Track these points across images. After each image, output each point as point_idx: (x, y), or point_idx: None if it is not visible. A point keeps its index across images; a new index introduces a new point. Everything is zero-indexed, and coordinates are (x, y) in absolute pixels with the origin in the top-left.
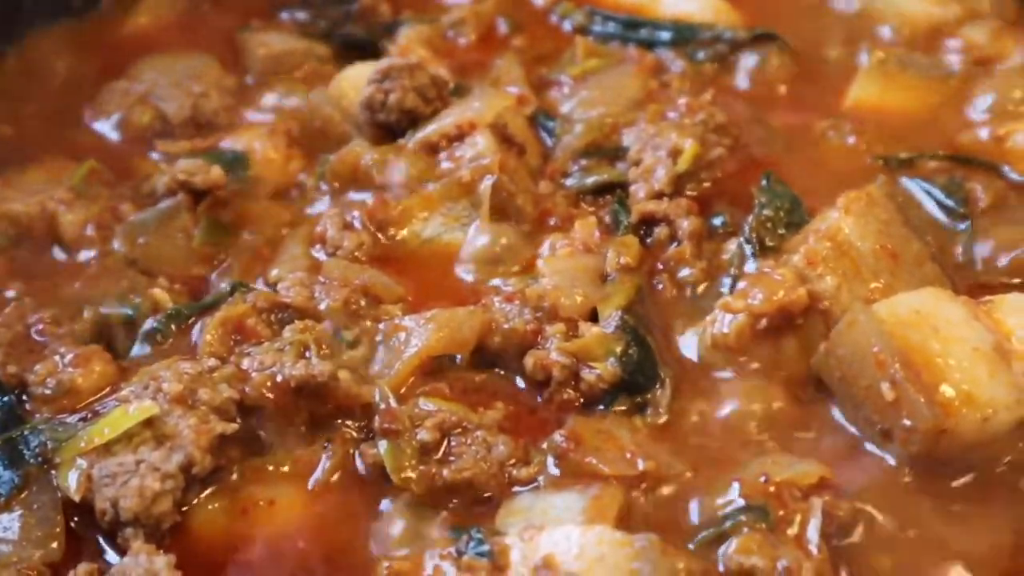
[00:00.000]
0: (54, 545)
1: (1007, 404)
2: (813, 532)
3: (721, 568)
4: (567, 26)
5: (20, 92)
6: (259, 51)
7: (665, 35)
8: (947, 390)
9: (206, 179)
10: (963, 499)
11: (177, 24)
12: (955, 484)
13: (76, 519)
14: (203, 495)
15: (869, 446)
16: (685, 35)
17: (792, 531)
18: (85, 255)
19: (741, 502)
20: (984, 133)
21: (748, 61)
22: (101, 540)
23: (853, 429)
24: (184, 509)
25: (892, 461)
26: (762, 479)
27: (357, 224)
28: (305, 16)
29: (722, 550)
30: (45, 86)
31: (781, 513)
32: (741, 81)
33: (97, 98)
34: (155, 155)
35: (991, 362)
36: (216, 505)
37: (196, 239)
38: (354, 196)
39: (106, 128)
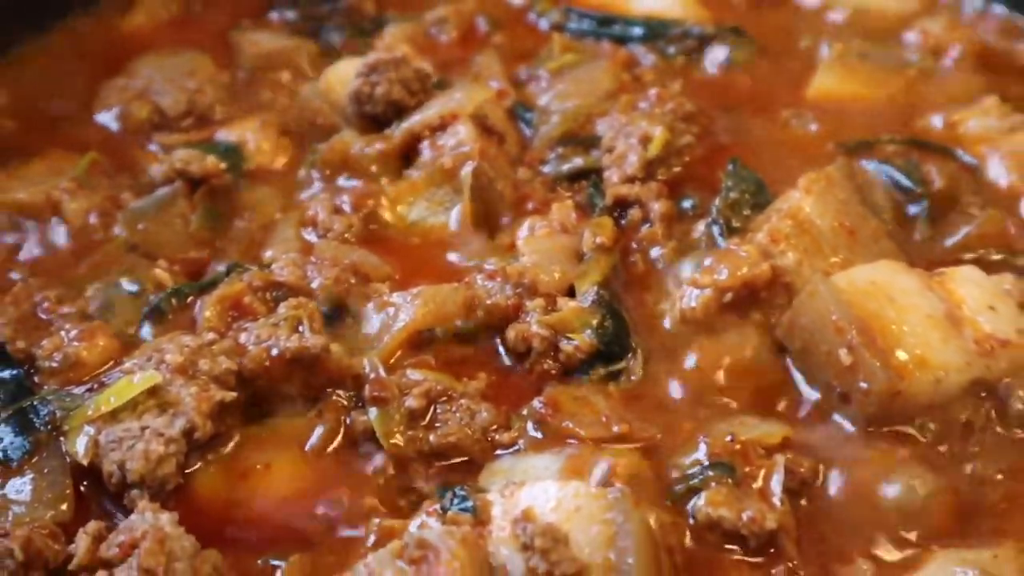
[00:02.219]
0: (64, 506)
1: (958, 367)
2: (776, 486)
3: (691, 520)
4: (544, 24)
5: (24, 89)
6: (250, 49)
7: (637, 31)
8: (901, 354)
9: (202, 167)
10: (914, 456)
11: (172, 24)
12: (907, 443)
13: (85, 483)
14: (204, 459)
15: (828, 406)
16: (656, 31)
17: (757, 485)
18: (87, 237)
19: (709, 460)
20: (938, 120)
21: (716, 54)
22: (108, 502)
23: (814, 393)
24: (186, 472)
25: (850, 422)
26: (728, 439)
27: (346, 208)
28: (293, 15)
29: (692, 504)
30: (48, 83)
31: (747, 469)
32: (709, 73)
33: (98, 94)
34: (153, 147)
35: (943, 328)
36: (215, 469)
37: (193, 224)
38: (343, 183)
39: (106, 122)
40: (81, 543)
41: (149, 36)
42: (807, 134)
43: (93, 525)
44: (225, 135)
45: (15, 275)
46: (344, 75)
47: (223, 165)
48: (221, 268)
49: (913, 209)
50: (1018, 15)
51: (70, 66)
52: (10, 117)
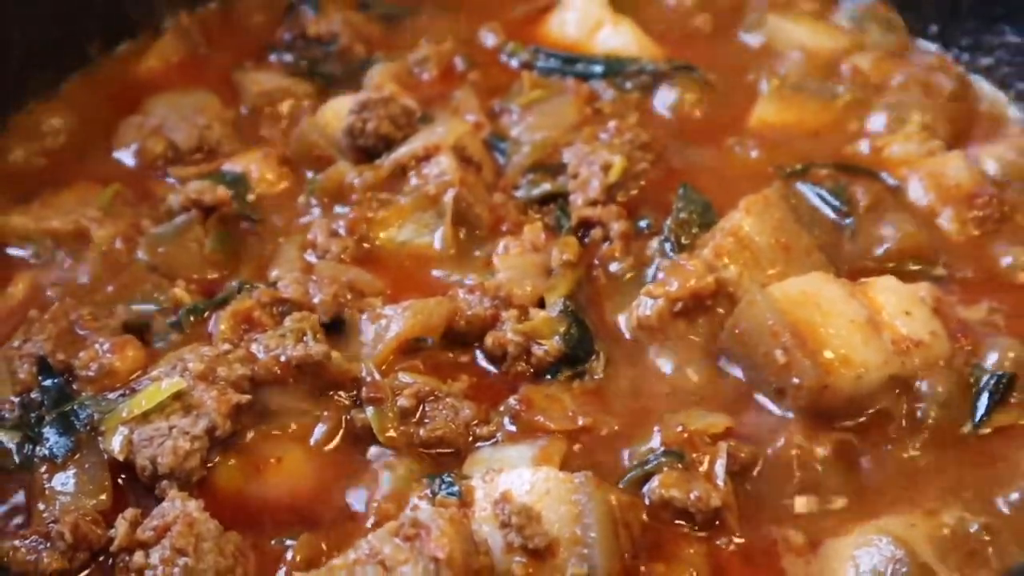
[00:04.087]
0: (103, 496)
1: (877, 364)
2: (720, 469)
3: (646, 501)
4: (515, 63)
5: (52, 128)
6: (252, 88)
7: (598, 68)
8: (828, 354)
9: (213, 197)
10: (842, 442)
11: (181, 66)
12: (836, 431)
13: (121, 476)
14: (224, 454)
15: (766, 402)
16: (615, 68)
17: (703, 469)
18: (114, 261)
19: (661, 448)
20: (865, 145)
21: (668, 89)
22: (141, 492)
23: (753, 388)
24: (209, 465)
25: (785, 413)
26: (679, 429)
27: (342, 231)
28: (291, 57)
29: (646, 486)
30: (73, 122)
31: (694, 456)
32: (662, 106)
33: (117, 131)
34: (168, 178)
35: (864, 331)
36: (234, 462)
37: (207, 247)
38: (339, 209)
39: (126, 156)
40: (120, 527)
41: (161, 77)
42: (749, 160)
43: (130, 512)
44: (231, 166)
45: (51, 293)
46: (339, 111)
47: (231, 193)
48: (233, 285)
49: (842, 226)
50: (942, 51)
51: (92, 107)
52: (42, 154)
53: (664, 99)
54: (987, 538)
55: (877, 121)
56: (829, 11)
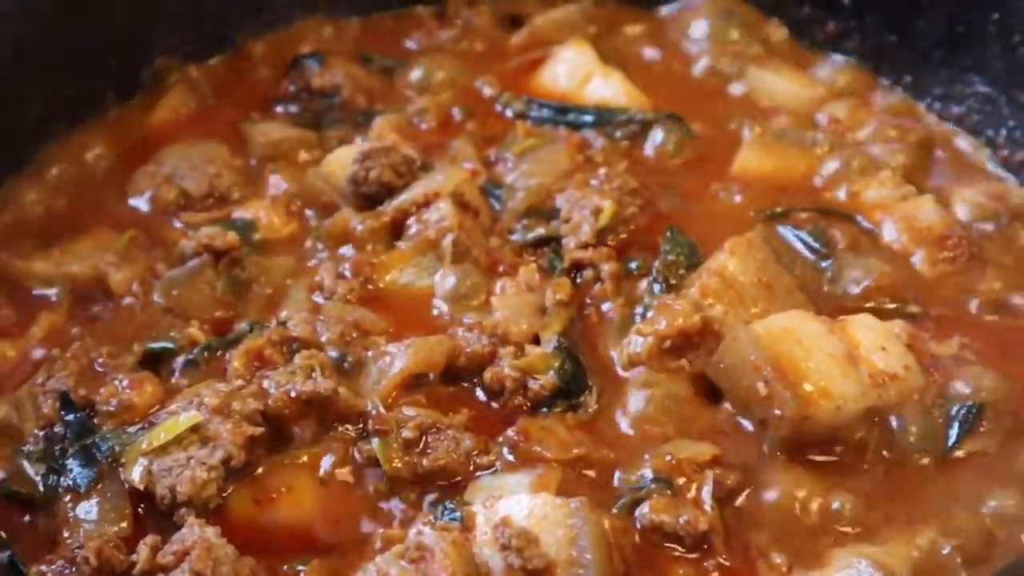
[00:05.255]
0: (124, 524)
1: (854, 396)
2: (707, 495)
3: (638, 525)
4: (509, 113)
5: (69, 177)
6: (260, 138)
7: (588, 118)
8: (808, 386)
9: (224, 242)
10: (822, 470)
11: (191, 118)
12: (814, 460)
13: (141, 505)
14: (238, 484)
15: (750, 431)
16: (605, 118)
17: (691, 495)
18: (130, 303)
19: (651, 475)
20: (842, 191)
21: (656, 137)
22: (160, 520)
23: (738, 419)
24: (224, 495)
25: (767, 443)
26: (668, 457)
27: (347, 274)
28: (295, 109)
29: (638, 511)
30: (89, 171)
31: (682, 482)
32: (650, 153)
33: (131, 180)
34: (180, 224)
35: (842, 365)
36: (247, 491)
37: (219, 289)
38: (344, 252)
39: (140, 204)
40: (142, 552)
41: (172, 128)
42: (733, 204)
43: (151, 538)
44: (241, 213)
45: (72, 332)
46: (343, 161)
47: (240, 239)
48: (244, 326)
49: (821, 266)
50: (911, 99)
51: (107, 157)
52: (58, 202)
53: (652, 147)
54: (959, 559)
55: (852, 167)
56: (807, 64)
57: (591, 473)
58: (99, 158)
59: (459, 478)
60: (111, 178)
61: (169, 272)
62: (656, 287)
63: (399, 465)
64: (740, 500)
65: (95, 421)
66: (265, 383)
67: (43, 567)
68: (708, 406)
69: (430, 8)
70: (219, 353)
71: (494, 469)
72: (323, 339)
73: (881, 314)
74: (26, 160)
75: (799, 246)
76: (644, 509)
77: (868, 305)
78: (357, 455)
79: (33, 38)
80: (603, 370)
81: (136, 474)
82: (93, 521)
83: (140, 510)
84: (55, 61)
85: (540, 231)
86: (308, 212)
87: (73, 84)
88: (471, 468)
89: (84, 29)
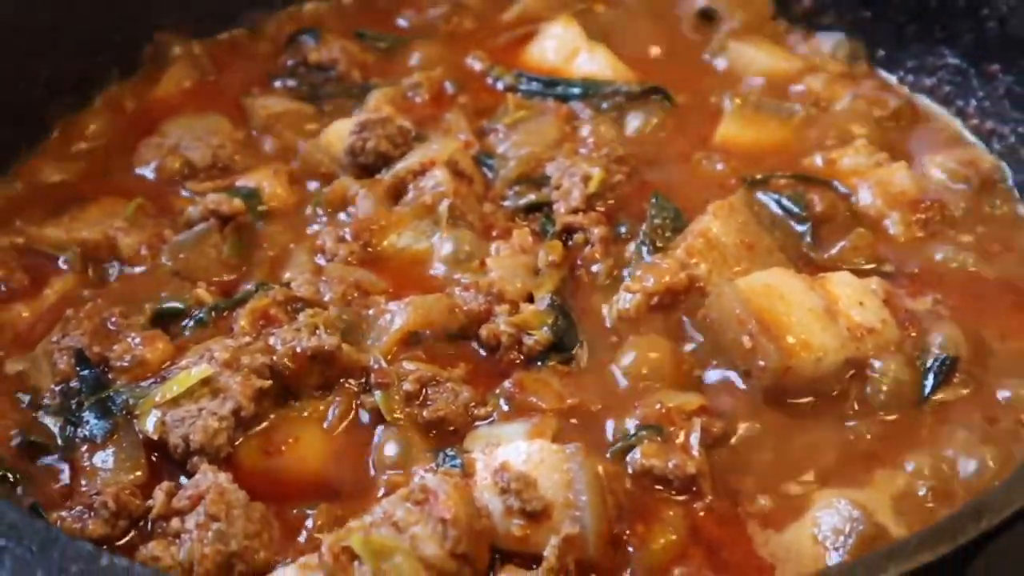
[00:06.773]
0: (139, 472)
1: (834, 348)
2: (695, 441)
3: (629, 470)
4: (500, 86)
5: (77, 149)
6: (260, 111)
7: (576, 90)
8: (790, 339)
9: (230, 207)
10: (802, 418)
11: (193, 91)
12: (796, 408)
13: (155, 454)
14: (247, 434)
15: (735, 381)
16: (592, 90)
17: (679, 441)
18: (139, 267)
19: (642, 423)
20: (819, 158)
21: (641, 109)
22: (173, 468)
23: (723, 370)
24: (234, 444)
25: (752, 392)
26: (657, 406)
27: (348, 237)
28: (294, 83)
29: (629, 456)
30: (96, 143)
31: (671, 429)
32: (636, 123)
33: (137, 151)
34: (185, 193)
35: (822, 319)
36: (256, 441)
37: (224, 253)
38: (344, 217)
39: (146, 173)
40: (158, 497)
41: (176, 101)
42: (715, 172)
43: (167, 484)
44: (244, 182)
45: (84, 294)
46: (340, 132)
47: (245, 205)
48: (250, 287)
49: (800, 228)
50: (885, 72)
51: (114, 129)
52: (68, 172)
53: (638, 117)
54: (932, 502)
55: (829, 136)
56: (784, 38)
57: (584, 422)
58: (105, 130)
59: (458, 428)
60: (117, 150)
61: (176, 237)
62: (644, 249)
63: (400, 416)
64: (726, 446)
65: (109, 376)
66: (271, 339)
67: (63, 513)
68: (694, 357)
69: None
70: (226, 313)
71: (491, 419)
72: (326, 299)
73: (858, 273)
74: (36, 134)
75: (778, 211)
76: (635, 455)
77: (845, 266)
78: (360, 407)
79: (39, 15)
80: (594, 326)
81: (150, 425)
82: (109, 470)
83: (154, 459)
84: (61, 37)
85: (531, 197)
86: (310, 184)
87: (79, 60)
88: (469, 418)
89: (88, 6)
